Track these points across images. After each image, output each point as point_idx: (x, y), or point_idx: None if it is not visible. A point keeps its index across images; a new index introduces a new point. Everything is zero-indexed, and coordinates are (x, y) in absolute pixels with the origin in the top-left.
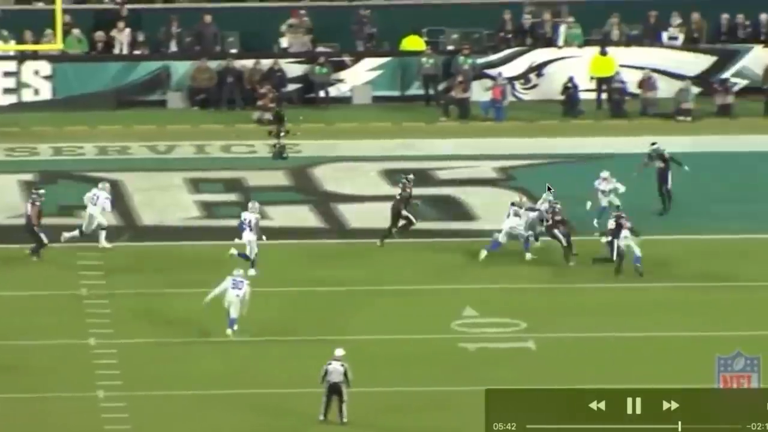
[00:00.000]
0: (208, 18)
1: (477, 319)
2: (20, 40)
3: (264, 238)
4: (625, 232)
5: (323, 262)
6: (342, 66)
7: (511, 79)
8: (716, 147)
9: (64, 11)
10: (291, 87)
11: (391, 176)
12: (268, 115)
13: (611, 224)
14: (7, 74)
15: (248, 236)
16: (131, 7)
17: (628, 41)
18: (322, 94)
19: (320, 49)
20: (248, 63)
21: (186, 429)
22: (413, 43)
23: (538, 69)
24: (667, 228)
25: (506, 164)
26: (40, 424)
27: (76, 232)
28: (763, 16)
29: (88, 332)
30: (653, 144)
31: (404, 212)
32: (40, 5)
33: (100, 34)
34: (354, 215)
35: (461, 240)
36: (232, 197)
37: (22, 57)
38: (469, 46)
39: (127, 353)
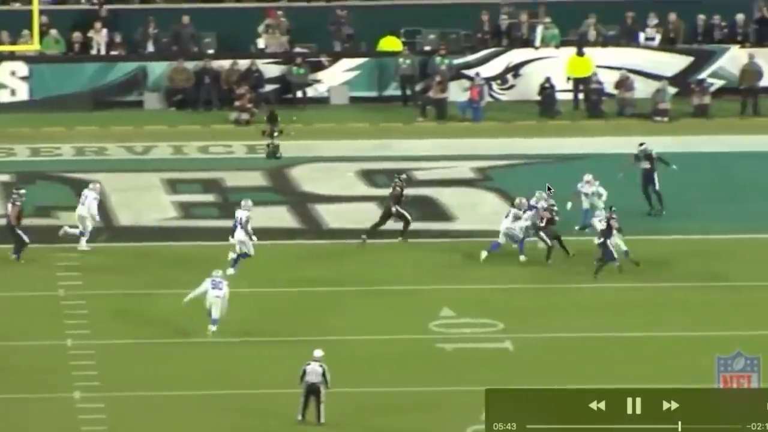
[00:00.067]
0: (185, 19)
1: (454, 319)
2: None
3: (254, 237)
4: (614, 232)
5: (301, 263)
6: (319, 66)
7: (489, 80)
8: (693, 147)
9: (42, 12)
10: (268, 87)
11: (369, 177)
12: (245, 116)
13: (603, 224)
14: None
15: (239, 235)
16: (108, 7)
17: (605, 42)
18: (299, 94)
19: (297, 49)
20: (225, 63)
21: (163, 430)
22: (390, 43)
23: (516, 69)
24: (647, 229)
25: (483, 164)
26: (16, 425)
27: (77, 231)
28: (739, 17)
29: (65, 333)
30: (641, 144)
31: (398, 210)
32: (17, 6)
33: (77, 35)
34: (331, 216)
35: (438, 240)
36: (209, 198)
37: None
38: (446, 46)
39: (104, 354)
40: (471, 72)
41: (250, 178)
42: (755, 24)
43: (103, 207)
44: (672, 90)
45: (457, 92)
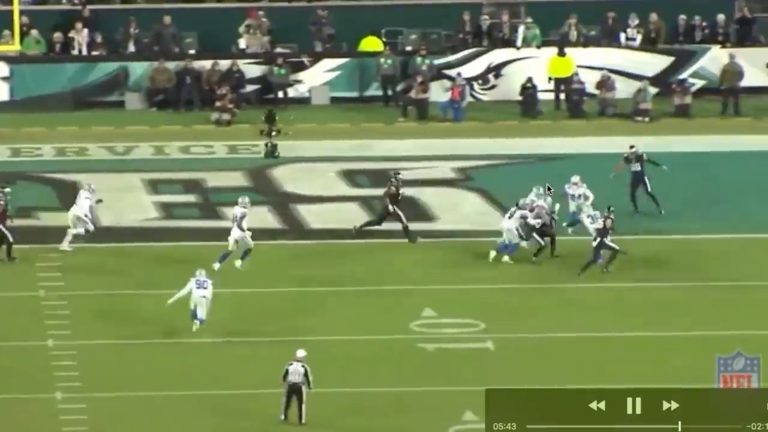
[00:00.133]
0: (167, 19)
1: (436, 319)
2: None
3: (248, 232)
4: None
5: (283, 264)
6: (300, 67)
7: (470, 80)
8: (674, 147)
9: (22, 12)
10: (249, 88)
11: (350, 177)
12: (226, 116)
13: (599, 224)
14: None
15: (235, 233)
16: (89, 7)
17: (586, 42)
18: (280, 94)
19: (278, 50)
20: (207, 64)
21: (145, 430)
22: (372, 44)
23: (497, 69)
24: (632, 229)
25: (465, 165)
26: None
27: (81, 230)
28: (720, 17)
29: (46, 333)
30: (632, 147)
31: (395, 210)
32: None
33: (58, 35)
34: (313, 216)
35: (420, 240)
36: (191, 198)
37: None
38: (427, 46)
39: (85, 354)
40: (452, 72)
41: (231, 179)
42: (736, 24)
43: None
44: (653, 90)
45: (438, 92)
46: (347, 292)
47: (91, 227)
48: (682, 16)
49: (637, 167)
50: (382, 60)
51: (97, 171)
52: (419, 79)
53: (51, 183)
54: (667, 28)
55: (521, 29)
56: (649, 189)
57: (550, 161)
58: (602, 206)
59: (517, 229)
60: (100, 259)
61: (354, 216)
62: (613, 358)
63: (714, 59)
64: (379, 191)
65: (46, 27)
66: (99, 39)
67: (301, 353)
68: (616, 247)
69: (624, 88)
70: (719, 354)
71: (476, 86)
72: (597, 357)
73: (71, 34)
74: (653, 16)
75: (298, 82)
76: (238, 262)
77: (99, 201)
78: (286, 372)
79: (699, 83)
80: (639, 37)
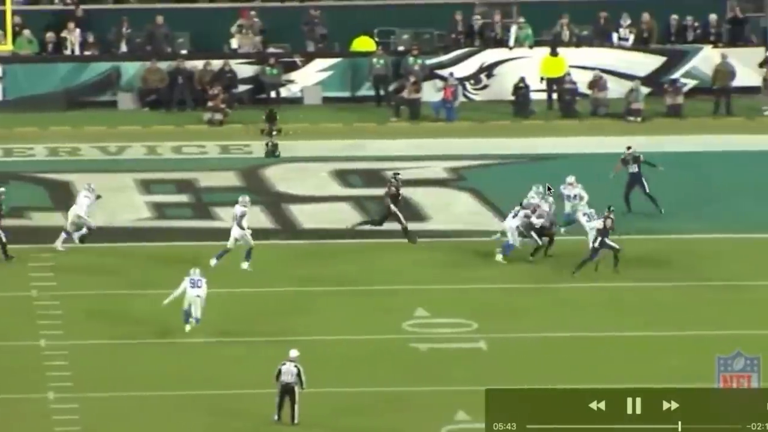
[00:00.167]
0: (159, 19)
1: (428, 319)
2: None
3: (248, 230)
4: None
5: (275, 263)
6: (293, 67)
7: (462, 80)
8: (666, 147)
9: (15, 12)
10: (242, 88)
11: (342, 177)
12: (218, 116)
13: (599, 224)
14: None
15: (235, 232)
16: (82, 7)
17: (578, 42)
18: (272, 94)
19: (271, 49)
20: (199, 64)
21: (138, 431)
22: (364, 43)
23: (489, 69)
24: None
25: (457, 164)
26: None
27: (84, 230)
28: (712, 17)
29: (38, 333)
30: (628, 148)
31: (393, 209)
32: None
33: (50, 35)
34: (305, 216)
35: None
36: (183, 198)
37: None
38: (419, 46)
39: (78, 354)
40: (445, 72)
41: (223, 179)
42: (728, 24)
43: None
44: (645, 90)
45: (430, 92)
46: (340, 291)
47: (92, 224)
48: (674, 16)
49: (634, 168)
50: (374, 60)
51: (89, 171)
52: (412, 79)
53: (43, 183)
54: (659, 28)
55: (513, 29)
56: (647, 190)
57: (543, 161)
58: (596, 206)
59: (518, 228)
60: (93, 259)
61: (346, 216)
62: (606, 357)
63: (706, 59)
64: (372, 191)
65: (38, 27)
66: (91, 39)
67: (293, 353)
68: (617, 247)
69: (616, 88)
70: (714, 353)
71: (468, 86)
72: (590, 357)
73: (63, 34)
74: (645, 16)
75: (291, 82)
76: (244, 264)
77: (98, 197)
78: (279, 372)
79: (691, 83)
80: (631, 37)
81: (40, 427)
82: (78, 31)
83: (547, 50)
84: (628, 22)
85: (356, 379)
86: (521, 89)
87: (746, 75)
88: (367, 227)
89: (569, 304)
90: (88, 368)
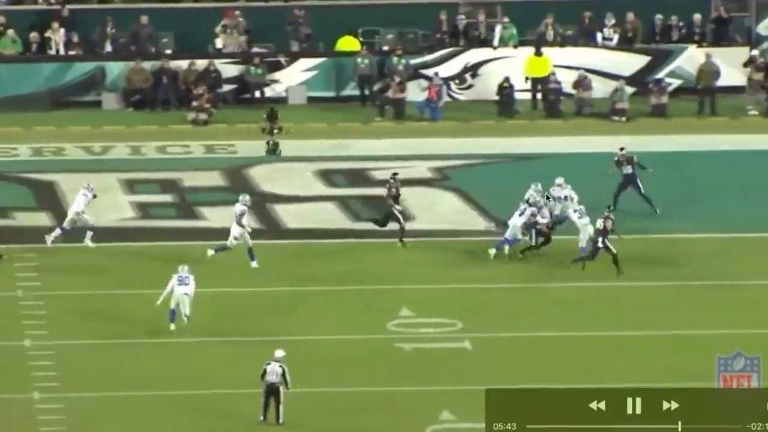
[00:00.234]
0: (143, 18)
1: (413, 319)
2: None
3: (249, 228)
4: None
5: (260, 263)
6: (277, 66)
7: (447, 80)
8: (650, 147)
9: None
10: (226, 87)
11: (327, 177)
12: (203, 116)
13: (599, 224)
14: None
15: (234, 231)
16: (67, 7)
17: (562, 42)
18: (257, 94)
19: (255, 49)
20: (183, 64)
21: (123, 431)
22: (348, 43)
23: (474, 69)
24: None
25: (441, 164)
26: None
27: (90, 233)
28: (696, 17)
29: (23, 333)
30: (621, 149)
31: (395, 210)
32: None
33: (34, 35)
34: (290, 216)
35: (396, 240)
36: (167, 198)
37: None
38: (404, 46)
39: (63, 354)
40: (429, 72)
41: (208, 179)
42: (712, 23)
43: (59, 207)
44: (630, 90)
45: (415, 92)
46: (324, 291)
47: (91, 223)
48: (659, 16)
49: (628, 170)
50: (358, 60)
51: (73, 171)
52: (396, 78)
53: (27, 183)
54: (643, 27)
55: (498, 29)
56: (642, 191)
57: (527, 161)
58: (583, 205)
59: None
60: (77, 259)
61: (331, 216)
62: (597, 357)
63: (690, 59)
64: (356, 191)
65: (22, 27)
66: (75, 39)
67: (279, 353)
68: (614, 251)
69: (601, 88)
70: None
71: (453, 86)
72: (576, 356)
73: (48, 34)
74: (630, 16)
75: (275, 81)
76: (253, 263)
77: (95, 196)
78: (264, 372)
79: (675, 83)
80: (615, 37)
81: (26, 428)
82: (62, 30)
83: (531, 50)
84: (613, 21)
85: (341, 379)
86: (506, 89)
87: (731, 75)
88: (370, 225)
89: (557, 304)
90: (74, 368)
